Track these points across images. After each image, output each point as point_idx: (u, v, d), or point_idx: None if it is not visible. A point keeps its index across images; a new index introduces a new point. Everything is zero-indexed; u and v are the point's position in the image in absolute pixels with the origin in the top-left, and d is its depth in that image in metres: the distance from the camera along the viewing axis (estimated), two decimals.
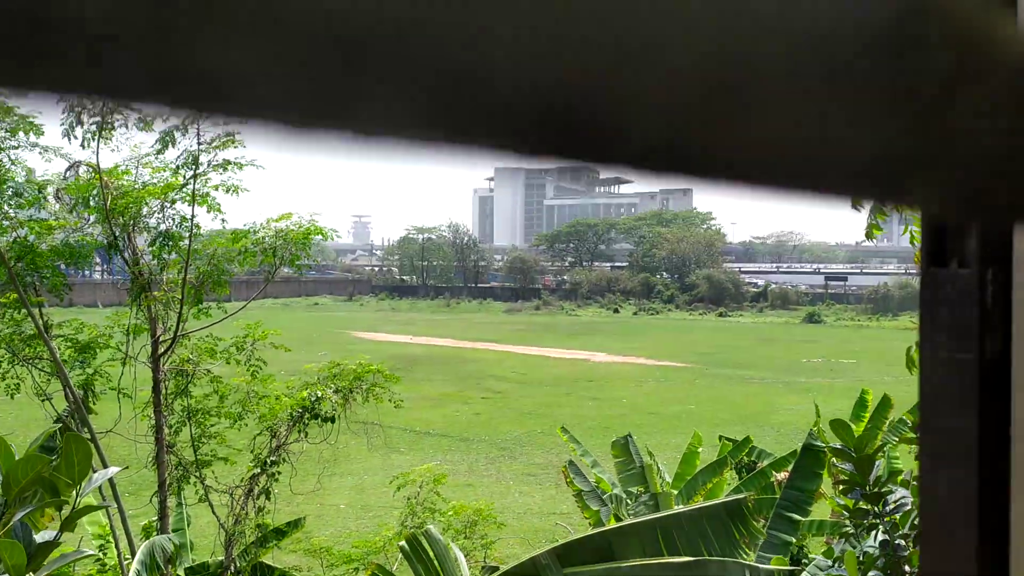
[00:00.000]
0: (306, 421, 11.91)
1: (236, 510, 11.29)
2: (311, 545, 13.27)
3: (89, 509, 3.79)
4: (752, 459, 12.31)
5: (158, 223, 11.92)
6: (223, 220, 11.75)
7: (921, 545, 0.79)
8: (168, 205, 11.76)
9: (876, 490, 5.47)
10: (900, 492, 5.61)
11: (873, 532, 5.60)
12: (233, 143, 11.15)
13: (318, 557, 13.14)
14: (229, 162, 11.29)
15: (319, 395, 11.80)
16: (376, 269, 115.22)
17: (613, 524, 7.77)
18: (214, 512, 11.55)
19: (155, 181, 11.73)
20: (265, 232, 12.02)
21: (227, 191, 11.34)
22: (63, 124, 11.19)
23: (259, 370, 12.36)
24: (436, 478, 12.14)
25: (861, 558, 5.43)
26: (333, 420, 11.98)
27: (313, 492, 15.18)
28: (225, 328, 12.75)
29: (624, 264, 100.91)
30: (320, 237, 12.30)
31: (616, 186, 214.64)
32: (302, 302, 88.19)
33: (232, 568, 10.72)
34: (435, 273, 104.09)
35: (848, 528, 7.41)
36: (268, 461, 11.51)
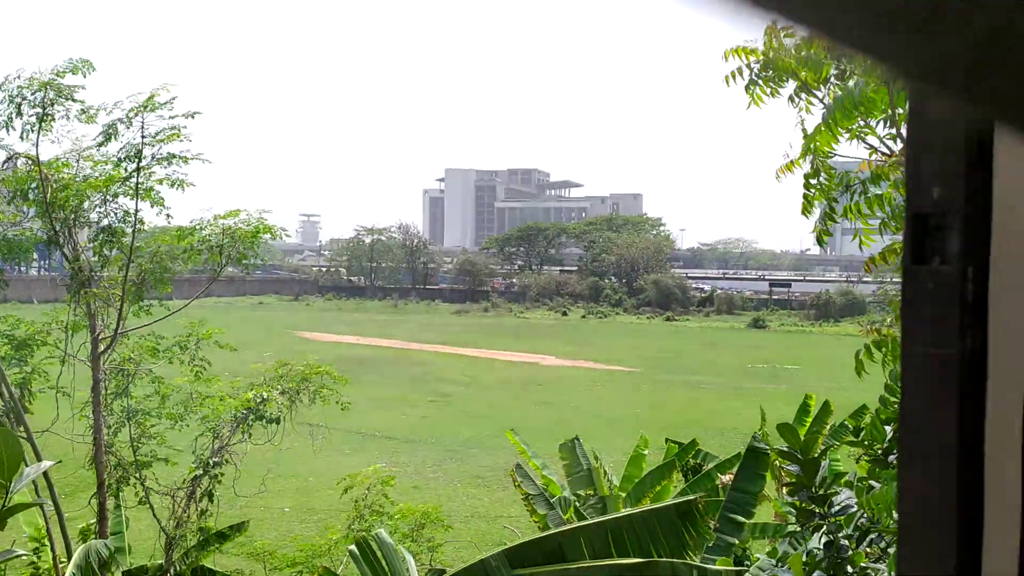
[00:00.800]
0: (251, 422, 11.72)
1: (177, 512, 11.05)
2: (254, 548, 13.08)
3: (21, 507, 3.66)
4: (698, 462, 12.41)
5: (100, 217, 11.62)
6: (168, 216, 11.50)
7: (899, 542, 0.78)
8: (110, 199, 11.48)
9: (822, 492, 5.55)
10: (845, 493, 5.70)
11: (817, 533, 5.67)
12: (178, 136, 10.91)
13: (261, 560, 12.94)
14: (174, 156, 11.04)
15: (265, 396, 11.62)
16: (324, 269, 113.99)
17: (563, 526, 7.76)
18: (154, 515, 11.30)
19: (97, 174, 11.44)
20: (212, 229, 11.78)
21: (172, 185, 11.09)
22: (1, 115, 10.86)
23: (203, 370, 12.13)
24: (383, 480, 12.02)
25: (806, 559, 5.49)
26: (278, 421, 11.80)
27: (257, 494, 14.94)
28: (167, 327, 12.49)
29: (573, 268, 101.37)
30: (269, 236, 12.10)
31: (567, 190, 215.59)
32: (247, 301, 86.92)
33: (172, 572, 10.48)
34: (384, 274, 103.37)
35: (792, 529, 7.51)
36: (211, 463, 11.28)
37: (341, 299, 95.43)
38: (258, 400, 11.51)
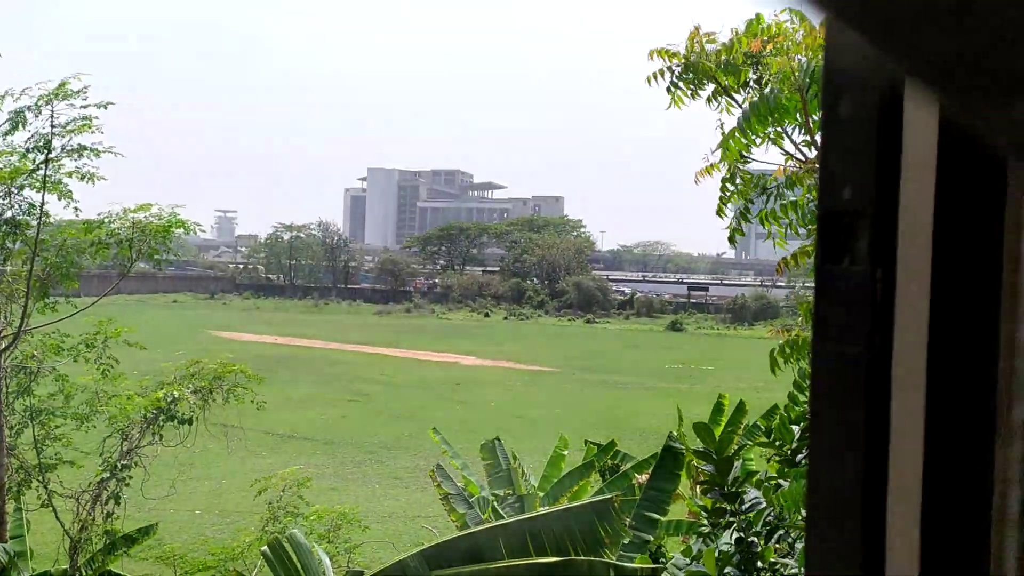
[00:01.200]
0: (161, 423, 11.39)
1: (83, 516, 10.67)
2: (163, 552, 12.70)
3: None
4: (616, 462, 12.56)
5: (3, 210, 11.14)
6: (76, 209, 11.08)
7: (807, 537, 0.79)
8: (15, 191, 11.01)
9: (734, 490, 5.67)
10: (753, 492, 5.83)
11: (729, 530, 5.79)
12: (89, 127, 10.53)
13: (171, 564, 12.57)
14: (85, 148, 10.65)
15: (176, 395, 11.31)
16: (241, 267, 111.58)
17: (482, 526, 7.76)
18: (58, 518, 10.89)
19: (1, 165, 10.96)
20: (121, 223, 11.40)
21: (82, 179, 10.69)
22: None
23: (110, 369, 11.74)
24: (300, 482, 11.82)
25: (718, 555, 5.61)
26: (191, 422, 11.50)
27: (167, 497, 14.54)
28: (74, 324, 12.05)
29: (495, 269, 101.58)
30: (182, 231, 11.77)
31: (489, 191, 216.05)
32: (159, 299, 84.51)
33: None
34: (303, 272, 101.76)
35: (704, 527, 7.66)
36: (119, 465, 10.93)
37: (259, 297, 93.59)
38: (169, 399, 11.19)
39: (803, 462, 4.60)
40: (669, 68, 4.31)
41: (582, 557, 5.74)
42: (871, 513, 0.74)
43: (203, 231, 12.93)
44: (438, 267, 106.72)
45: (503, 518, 8.44)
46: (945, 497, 0.74)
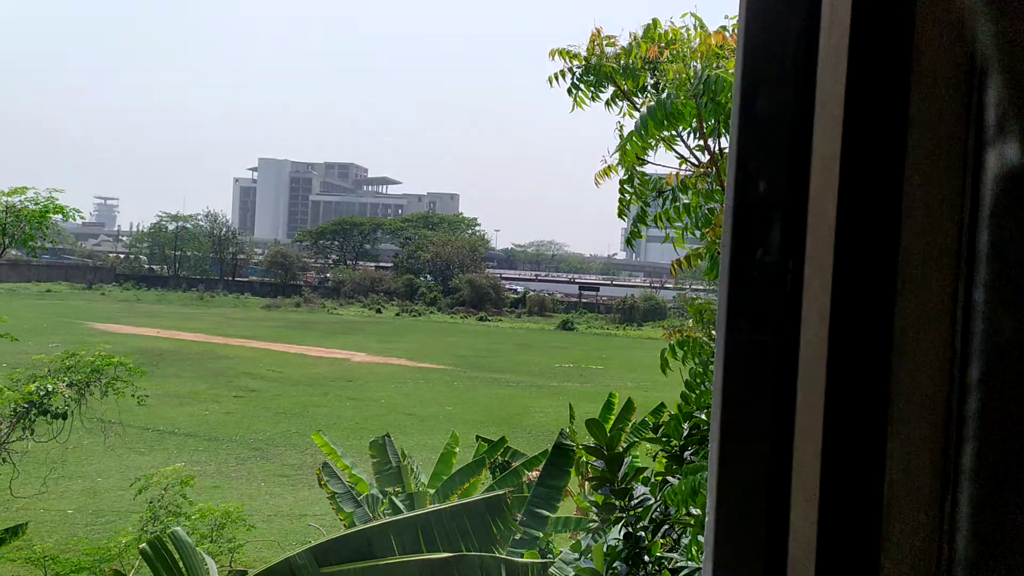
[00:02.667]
0: (33, 417, 10.85)
1: None
2: (33, 553, 12.06)
3: None
4: (506, 459, 12.65)
5: None
6: None
7: (715, 521, 0.82)
8: None
9: (623, 486, 5.79)
10: (641, 488, 5.98)
11: (617, 525, 5.91)
12: None
13: (41, 566, 11.95)
14: None
15: (49, 388, 10.78)
16: (121, 256, 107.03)
17: (372, 523, 7.69)
18: None
19: None
20: None
21: None
22: None
23: None
24: (183, 480, 11.43)
25: (607, 550, 5.71)
26: (65, 416, 10.99)
27: (38, 495, 13.83)
28: None
29: (389, 265, 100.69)
30: (60, 216, 11.22)
31: (384, 186, 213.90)
32: (33, 288, 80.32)
33: None
34: (189, 264, 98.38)
35: (593, 523, 7.78)
36: None
37: (141, 289, 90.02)
38: (41, 393, 10.66)
39: (693, 459, 4.74)
40: (570, 69, 4.37)
41: (474, 553, 5.75)
42: (776, 500, 0.78)
43: (82, 217, 12.33)
44: (330, 261, 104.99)
45: (395, 515, 8.38)
46: (840, 480, 0.78)
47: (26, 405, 10.73)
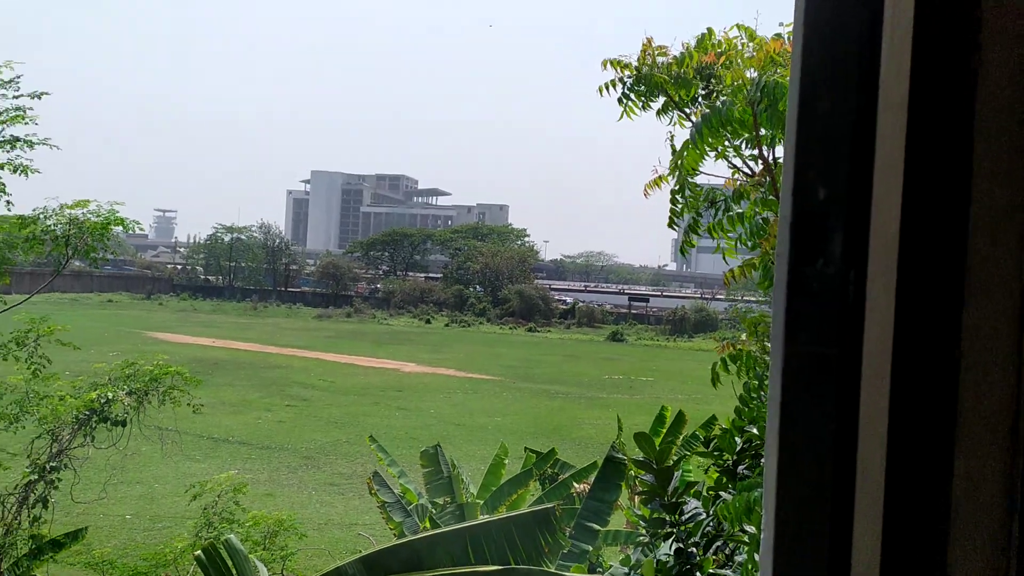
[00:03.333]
0: (94, 424, 11.09)
1: (8, 519, 10.32)
2: (92, 558, 12.33)
3: None
4: (555, 471, 12.60)
5: None
6: (8, 202, 10.73)
7: (775, 534, 0.80)
8: None
9: (674, 500, 5.72)
10: (693, 503, 5.90)
11: (668, 541, 5.84)
12: (23, 118, 10.22)
13: (100, 570, 12.23)
14: (18, 139, 10.33)
15: (110, 397, 11.02)
16: (179, 267, 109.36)
17: (421, 534, 7.71)
18: None
19: None
20: (58, 219, 11.08)
21: (15, 171, 10.37)
22: None
23: (42, 368, 11.40)
24: (236, 487, 11.59)
25: (657, 565, 5.65)
26: (124, 424, 11.22)
27: (97, 501, 14.14)
28: (4, 322, 11.68)
29: (438, 275, 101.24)
30: (121, 228, 11.48)
31: (434, 198, 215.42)
32: (94, 298, 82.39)
33: None
34: (243, 275, 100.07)
35: (643, 537, 7.71)
36: (48, 467, 10.60)
37: (197, 299, 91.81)
38: (102, 400, 10.90)
39: (747, 474, 4.67)
40: (621, 79, 4.35)
41: (523, 566, 5.73)
42: (839, 513, 0.76)
43: (142, 229, 12.62)
44: (380, 272, 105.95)
45: (440, 527, 8.40)
46: (906, 496, 0.76)
47: (87, 412, 10.98)
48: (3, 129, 10.38)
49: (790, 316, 0.80)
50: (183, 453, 21.00)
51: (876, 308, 0.76)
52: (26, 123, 10.35)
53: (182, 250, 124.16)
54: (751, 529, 4.45)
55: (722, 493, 5.51)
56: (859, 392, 0.76)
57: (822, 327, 0.78)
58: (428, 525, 9.40)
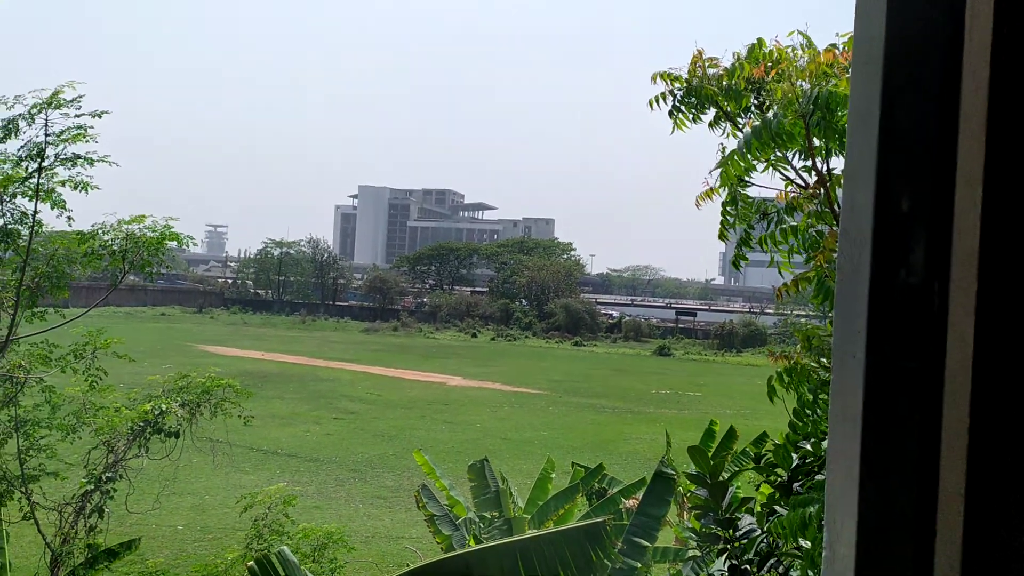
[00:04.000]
0: (148, 436, 11.30)
1: (65, 529, 10.55)
2: (146, 567, 12.53)
3: None
4: (603, 486, 12.52)
5: None
6: (68, 218, 11.01)
7: (857, 548, 0.79)
8: (7, 199, 10.95)
9: (727, 516, 5.64)
10: (747, 519, 5.81)
11: (721, 557, 5.76)
12: (84, 137, 10.49)
13: None
14: (79, 157, 10.61)
15: (163, 408, 11.22)
16: (230, 281, 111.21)
17: (470, 547, 7.71)
18: (40, 530, 10.75)
19: None
20: (115, 234, 11.34)
21: (75, 188, 10.64)
22: None
23: (99, 380, 11.64)
24: (285, 500, 11.71)
25: None
26: (178, 435, 11.42)
27: (151, 511, 14.39)
28: (62, 335, 11.97)
29: (484, 289, 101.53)
30: (175, 243, 11.72)
31: (480, 212, 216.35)
32: (148, 312, 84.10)
33: None
34: (292, 288, 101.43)
35: (694, 551, 7.61)
36: (103, 477, 10.82)
37: (247, 312, 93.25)
38: (156, 412, 11.10)
39: (800, 490, 4.59)
40: (671, 92, 4.33)
41: None
42: (922, 527, 0.74)
43: (195, 244, 12.86)
44: (427, 286, 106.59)
45: (484, 542, 8.38)
46: (990, 507, 0.75)
47: (142, 424, 11.19)
48: (65, 147, 10.67)
49: (872, 329, 0.79)
50: (233, 465, 21.29)
51: (957, 320, 0.75)
52: (87, 141, 10.62)
53: (233, 264, 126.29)
54: (806, 544, 4.37)
55: (776, 508, 5.43)
56: (941, 405, 0.75)
57: (905, 339, 0.77)
58: (472, 543, 9.39)
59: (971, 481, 0.75)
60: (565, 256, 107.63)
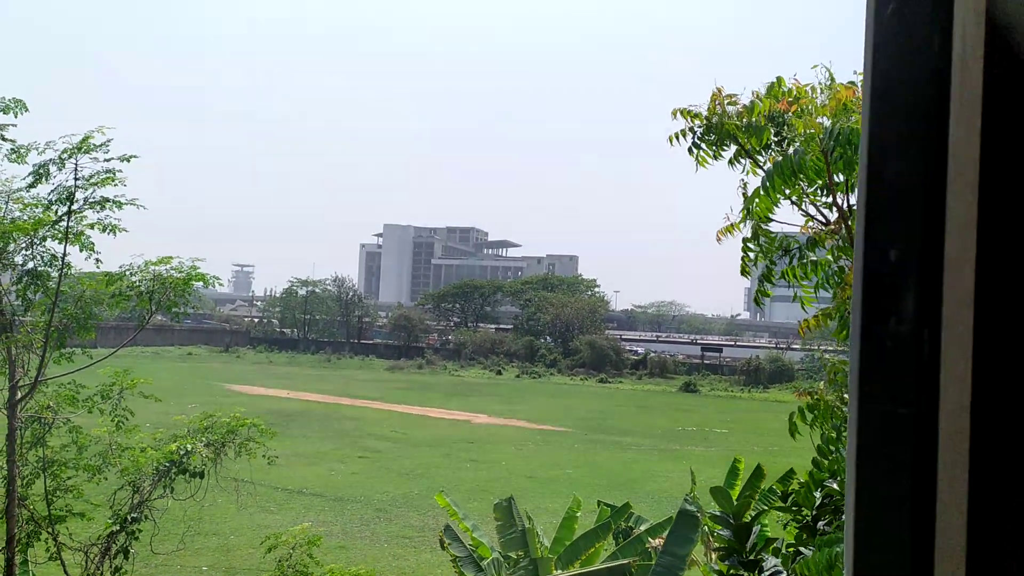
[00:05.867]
0: (173, 476, 11.33)
1: (90, 569, 10.56)
2: None
3: None
4: (629, 525, 12.36)
5: (25, 260, 11.26)
6: (97, 260, 11.17)
7: None
8: (38, 242, 11.14)
9: (752, 557, 5.56)
10: (772, 560, 5.71)
11: None
12: (113, 180, 10.68)
13: None
14: (108, 200, 10.79)
15: (189, 448, 11.26)
16: (256, 320, 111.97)
17: None
18: (66, 571, 10.78)
19: (25, 217, 11.11)
20: (142, 275, 11.48)
21: (104, 230, 10.81)
22: None
23: (125, 421, 11.72)
24: (310, 540, 11.66)
25: None
26: (203, 476, 11.44)
27: (175, 552, 14.39)
28: (89, 375, 12.07)
29: (509, 327, 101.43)
30: (201, 284, 11.84)
31: (504, 249, 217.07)
32: (175, 352, 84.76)
33: None
34: (317, 327, 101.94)
35: None
36: (129, 518, 10.84)
37: (273, 351, 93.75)
38: (182, 452, 11.14)
39: (827, 529, 4.51)
40: (691, 129, 4.35)
41: None
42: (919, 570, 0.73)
43: (221, 284, 12.98)
44: (452, 324, 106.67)
45: None
46: (990, 561, 0.73)
47: (167, 464, 11.23)
48: (94, 191, 10.85)
49: (864, 375, 0.79)
50: (258, 505, 21.27)
51: (952, 368, 0.74)
52: (115, 184, 10.82)
53: (259, 303, 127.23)
54: None
55: (802, 549, 5.33)
56: (936, 454, 0.74)
57: (896, 386, 0.77)
58: None
59: (972, 531, 0.74)
60: (589, 293, 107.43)
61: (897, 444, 0.77)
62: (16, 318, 11.49)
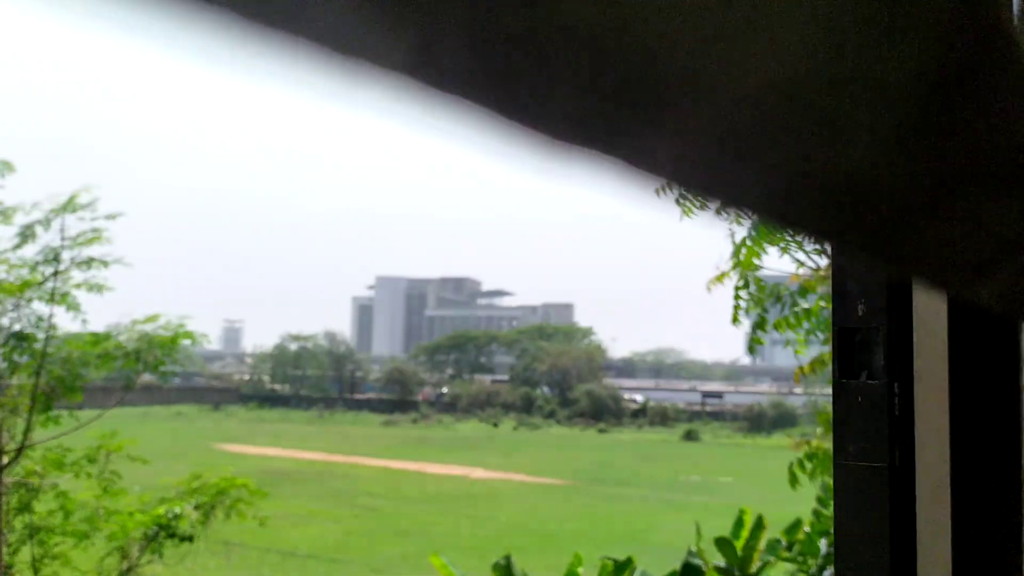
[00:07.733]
0: (161, 540, 11.09)
1: None
2: None
3: None
4: None
5: (11, 323, 11.16)
6: (83, 321, 11.07)
7: None
8: (24, 304, 11.05)
9: None
10: None
11: None
12: (99, 240, 10.63)
13: None
14: (94, 259, 10.72)
15: (177, 511, 11.03)
16: (246, 377, 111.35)
17: None
18: None
19: (11, 279, 11.03)
20: (129, 335, 11.37)
21: (90, 290, 10.73)
22: None
23: (112, 484, 11.51)
24: None
25: None
26: (191, 539, 11.19)
27: None
28: (76, 438, 11.89)
29: (505, 377, 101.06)
30: (189, 341, 11.72)
31: (498, 298, 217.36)
32: (163, 411, 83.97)
33: None
34: (309, 383, 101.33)
35: None
36: None
37: (264, 408, 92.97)
38: (170, 516, 10.91)
39: None
40: None
41: None
42: None
43: (209, 342, 12.87)
44: (446, 376, 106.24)
45: None
46: None
47: (155, 528, 11.00)
48: (80, 251, 10.80)
49: (837, 430, 0.77)
50: (249, 568, 20.86)
51: (928, 420, 0.70)
52: (101, 243, 10.77)
53: (249, 360, 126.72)
54: None
55: None
56: (915, 504, 0.71)
57: (869, 440, 0.74)
58: None
59: None
60: (586, 341, 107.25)
61: (875, 499, 0.74)
62: (2, 381, 11.35)
